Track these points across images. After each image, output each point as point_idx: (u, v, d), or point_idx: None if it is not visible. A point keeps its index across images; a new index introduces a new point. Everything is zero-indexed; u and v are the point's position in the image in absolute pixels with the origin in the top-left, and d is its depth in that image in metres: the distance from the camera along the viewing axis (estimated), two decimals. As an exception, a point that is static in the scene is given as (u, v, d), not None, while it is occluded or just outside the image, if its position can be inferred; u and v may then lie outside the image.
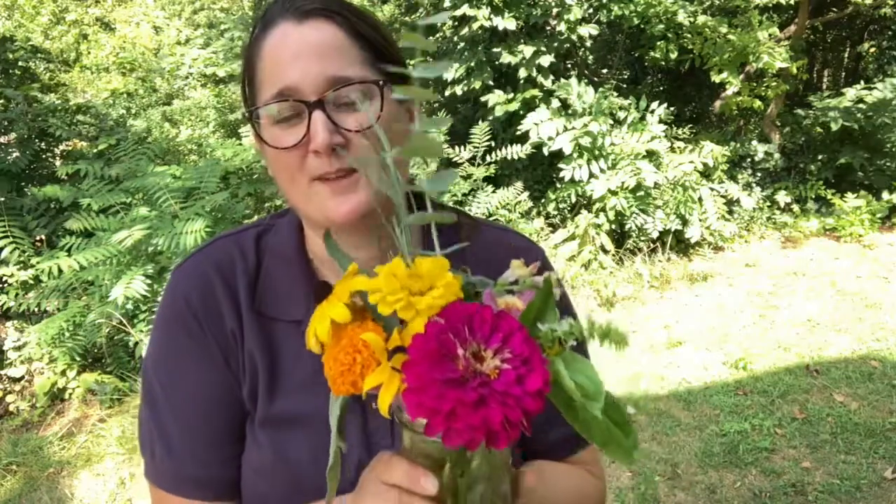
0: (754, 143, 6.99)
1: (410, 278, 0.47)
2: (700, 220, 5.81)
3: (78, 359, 3.70)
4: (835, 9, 7.79)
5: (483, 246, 0.77)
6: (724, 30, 6.19)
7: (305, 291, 0.76)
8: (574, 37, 6.16)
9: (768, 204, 6.70)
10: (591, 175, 5.55)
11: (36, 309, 3.95)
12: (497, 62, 6.09)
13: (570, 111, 5.77)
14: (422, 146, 0.52)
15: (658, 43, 6.57)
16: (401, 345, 0.47)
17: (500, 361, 0.43)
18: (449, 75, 6.18)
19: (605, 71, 7.58)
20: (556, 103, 5.85)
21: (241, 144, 5.68)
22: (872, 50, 8.74)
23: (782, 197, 6.66)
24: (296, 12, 0.68)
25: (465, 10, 5.93)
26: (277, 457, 0.73)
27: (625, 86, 7.44)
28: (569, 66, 6.98)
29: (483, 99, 6.12)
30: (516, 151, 5.61)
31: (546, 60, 5.98)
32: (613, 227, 5.63)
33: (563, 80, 5.96)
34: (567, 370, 0.46)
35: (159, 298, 3.54)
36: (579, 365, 0.47)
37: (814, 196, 6.72)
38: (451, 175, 0.54)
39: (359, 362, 0.48)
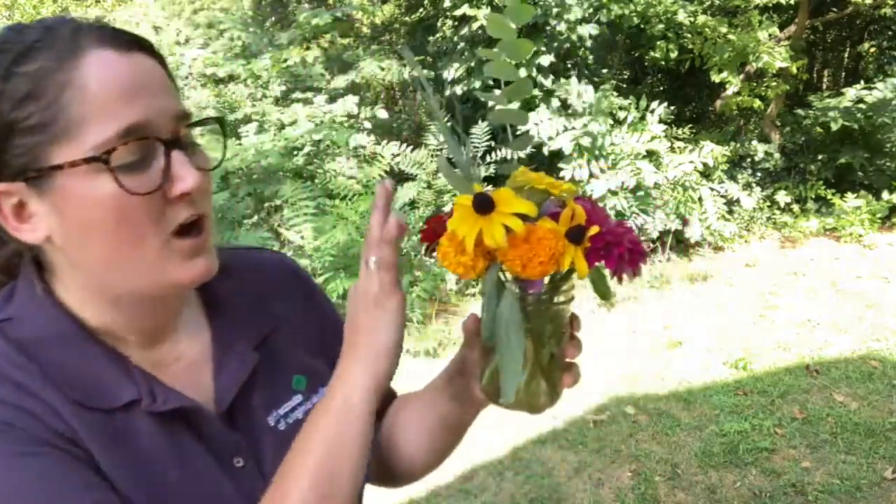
0: (754, 143, 6.99)
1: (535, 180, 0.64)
2: (700, 220, 5.81)
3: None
4: (835, 9, 7.80)
5: (242, 267, 0.77)
6: (724, 30, 6.20)
7: (119, 368, 0.64)
8: (574, 37, 6.16)
9: (768, 204, 6.71)
10: (591, 175, 5.55)
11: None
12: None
13: (570, 111, 5.77)
14: (508, 115, 0.66)
15: (658, 43, 6.57)
16: (578, 224, 0.60)
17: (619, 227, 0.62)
18: (449, 75, 6.19)
19: (605, 71, 7.58)
20: (556, 103, 5.85)
21: (240, 144, 5.68)
22: (872, 50, 8.74)
23: (782, 197, 6.66)
24: (114, 42, 0.58)
25: (465, 9, 5.93)
26: None
27: (625, 86, 7.44)
28: (569, 66, 6.97)
29: (483, 99, 6.12)
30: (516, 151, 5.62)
31: (546, 60, 5.98)
32: (613, 227, 5.63)
33: (563, 80, 5.96)
34: None
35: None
36: None
37: (814, 196, 6.72)
38: (530, 138, 0.68)
39: (560, 247, 0.58)
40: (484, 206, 0.58)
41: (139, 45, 0.60)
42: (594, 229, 0.60)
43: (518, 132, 5.69)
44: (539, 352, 0.65)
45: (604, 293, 0.64)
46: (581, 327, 0.67)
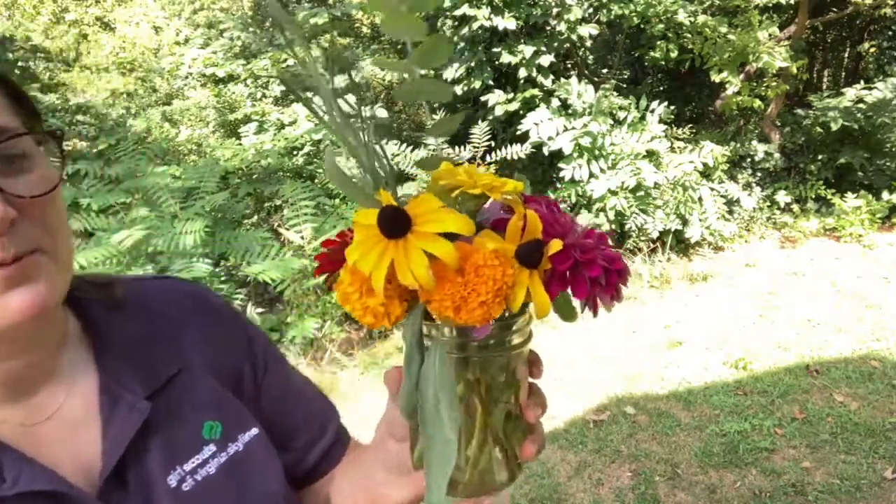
0: (754, 143, 6.99)
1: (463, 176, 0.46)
2: (700, 220, 5.81)
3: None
4: (835, 9, 7.79)
5: (143, 301, 0.67)
6: (724, 29, 6.20)
7: None
8: (574, 37, 6.16)
9: (768, 204, 6.71)
10: (591, 175, 5.55)
11: (36, 309, 3.94)
12: (497, 62, 6.09)
13: (570, 111, 5.77)
14: (428, 89, 0.45)
15: (658, 43, 6.57)
16: (533, 238, 0.43)
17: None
18: (449, 75, 6.19)
19: (605, 71, 7.58)
20: (556, 103, 5.85)
21: (240, 144, 5.68)
22: (872, 50, 8.73)
23: (782, 197, 6.66)
24: None
25: (465, 9, 5.93)
26: None
27: (625, 86, 7.43)
28: (569, 66, 6.98)
29: (483, 99, 6.12)
30: (516, 151, 5.62)
31: (546, 60, 5.98)
32: (613, 227, 5.63)
33: (563, 80, 5.96)
34: None
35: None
36: None
37: (814, 196, 6.72)
38: (456, 119, 0.47)
39: (509, 277, 0.41)
40: (395, 226, 0.40)
41: None
42: (555, 245, 0.43)
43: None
44: (490, 413, 0.49)
45: (568, 315, 0.48)
46: (542, 372, 0.52)
